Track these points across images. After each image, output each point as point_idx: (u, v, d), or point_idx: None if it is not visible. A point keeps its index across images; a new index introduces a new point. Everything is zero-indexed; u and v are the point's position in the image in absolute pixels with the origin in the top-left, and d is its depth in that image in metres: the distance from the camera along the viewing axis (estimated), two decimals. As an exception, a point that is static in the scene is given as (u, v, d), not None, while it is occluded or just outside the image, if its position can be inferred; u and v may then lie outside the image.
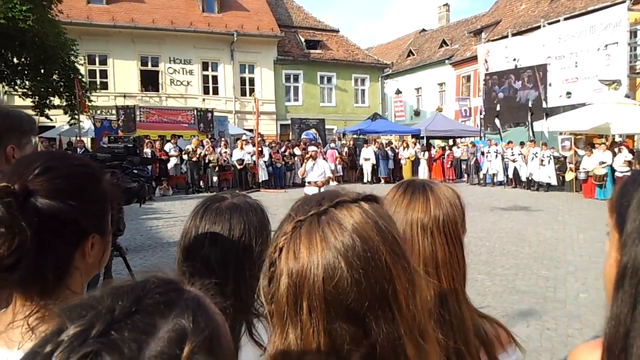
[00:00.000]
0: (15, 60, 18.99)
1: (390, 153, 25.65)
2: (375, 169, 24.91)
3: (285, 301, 0.78)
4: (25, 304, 1.03)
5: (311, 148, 11.95)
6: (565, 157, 20.50)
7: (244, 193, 1.64)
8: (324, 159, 14.35)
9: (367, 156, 24.81)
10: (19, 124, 2.06)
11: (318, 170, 10.91)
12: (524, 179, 21.46)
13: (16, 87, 19.89)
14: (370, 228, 0.79)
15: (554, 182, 20.23)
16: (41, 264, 1.01)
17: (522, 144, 21.91)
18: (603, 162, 17.75)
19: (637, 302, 0.75)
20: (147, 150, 18.46)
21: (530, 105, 23.02)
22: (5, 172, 1.03)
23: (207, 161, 20.73)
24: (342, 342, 0.76)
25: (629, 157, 17.28)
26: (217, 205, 1.50)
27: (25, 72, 19.60)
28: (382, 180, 24.55)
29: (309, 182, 11.04)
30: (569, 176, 19.63)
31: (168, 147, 20.52)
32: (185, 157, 20.56)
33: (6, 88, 21.01)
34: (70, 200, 1.03)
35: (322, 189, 10.72)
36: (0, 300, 1.09)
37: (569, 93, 25.63)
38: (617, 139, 19.69)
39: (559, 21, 27.30)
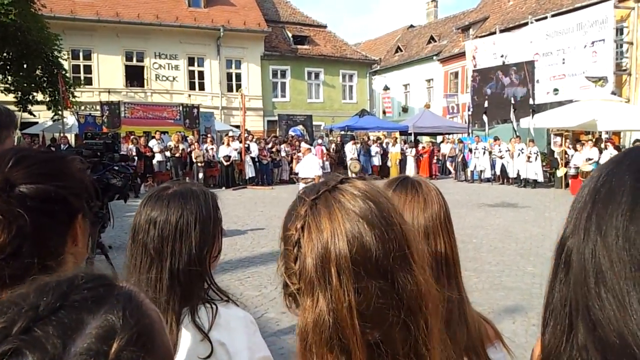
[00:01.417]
0: (-3, 55, 18.74)
1: (378, 149, 25.63)
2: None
3: (314, 272, 0.84)
4: None
5: (303, 145, 12.19)
6: (552, 153, 20.62)
7: (195, 182, 1.65)
8: (315, 155, 14.66)
9: (351, 152, 24.76)
10: None
11: (307, 166, 11.16)
12: (511, 175, 21.53)
13: (-2, 82, 19.64)
14: (378, 194, 0.89)
15: (540, 178, 20.33)
16: (42, 249, 1.02)
17: (497, 139, 22.11)
18: (590, 159, 17.84)
19: (556, 272, 0.79)
20: (132, 147, 18.27)
21: (513, 102, 23.06)
22: None
23: (194, 157, 20.60)
24: (372, 297, 0.81)
25: (615, 153, 17.35)
26: (159, 194, 1.53)
27: (8, 67, 19.35)
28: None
29: (300, 179, 11.38)
30: (561, 172, 19.71)
31: (152, 143, 20.33)
32: (167, 153, 20.38)
33: (-12, 83, 20.73)
34: (53, 181, 1.05)
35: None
36: None
37: (555, 90, 25.74)
38: (604, 136, 19.79)
39: (546, 18, 27.41)
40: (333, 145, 26.37)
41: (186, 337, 1.42)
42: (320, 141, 25.60)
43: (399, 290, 0.82)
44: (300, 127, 27.98)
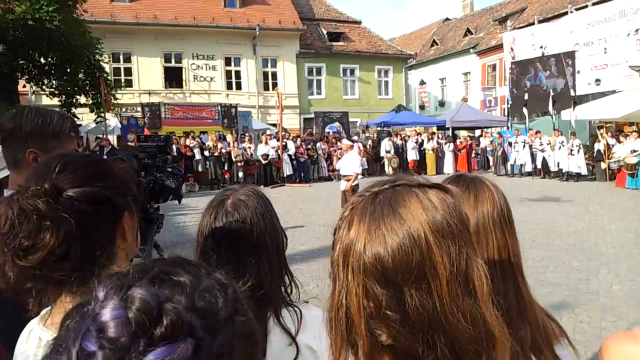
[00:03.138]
0: (42, 60, 19.29)
1: (414, 144, 25.45)
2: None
3: (337, 263, 0.89)
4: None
5: (345, 142, 12.11)
6: (593, 145, 20.17)
7: (246, 184, 1.68)
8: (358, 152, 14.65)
9: (387, 149, 24.68)
10: (43, 128, 1.96)
11: (348, 163, 11.13)
12: (552, 169, 21.12)
13: (43, 87, 20.24)
14: (418, 208, 0.86)
15: (584, 171, 19.88)
16: (91, 248, 1.09)
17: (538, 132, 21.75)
18: (635, 151, 17.35)
19: None
20: (173, 147, 18.60)
21: (552, 93, 22.56)
22: (27, 179, 1.11)
23: (233, 157, 20.86)
24: (380, 304, 0.84)
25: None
26: (225, 202, 1.54)
27: (52, 71, 19.90)
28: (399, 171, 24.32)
29: (342, 176, 11.34)
30: (604, 165, 19.25)
31: (188, 142, 20.69)
32: (206, 153, 20.69)
33: (34, 88, 21.34)
34: (97, 183, 1.12)
35: (351, 184, 10.87)
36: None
37: (597, 80, 25.07)
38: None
39: (587, 6, 26.73)
40: (370, 142, 26.29)
41: (273, 337, 1.41)
42: (356, 138, 25.55)
43: (404, 305, 0.83)
44: (337, 124, 27.99)
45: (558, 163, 20.63)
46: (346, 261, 0.87)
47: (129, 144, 16.24)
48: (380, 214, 0.86)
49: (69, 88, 20.14)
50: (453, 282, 0.83)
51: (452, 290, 0.83)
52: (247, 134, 22.71)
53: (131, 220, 1.20)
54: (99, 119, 21.37)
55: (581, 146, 19.89)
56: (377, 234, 0.85)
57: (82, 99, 20.87)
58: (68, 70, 19.79)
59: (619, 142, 18.54)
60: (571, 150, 19.85)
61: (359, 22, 38.07)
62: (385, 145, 24.88)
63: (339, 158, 11.96)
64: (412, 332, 0.84)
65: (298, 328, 1.43)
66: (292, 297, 1.55)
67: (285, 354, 1.39)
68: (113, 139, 22.79)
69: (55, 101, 20.23)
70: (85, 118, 23.28)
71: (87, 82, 20.52)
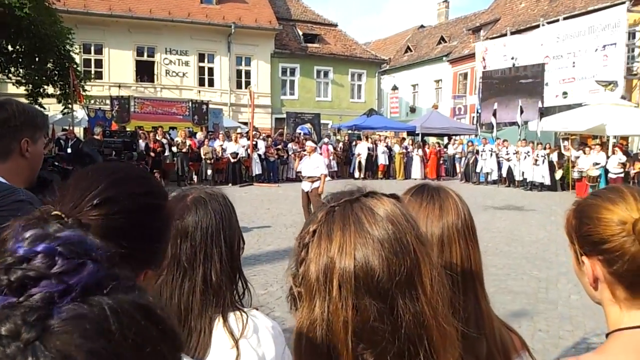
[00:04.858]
0: (9, 47, 18.79)
1: (384, 149, 25.63)
2: (367, 164, 24.87)
3: (315, 278, 0.84)
4: None
5: (308, 143, 12.06)
6: (548, 156, 20.63)
7: (206, 186, 1.64)
8: (320, 154, 14.56)
9: (360, 152, 24.82)
10: (33, 118, 2.12)
11: (312, 165, 11.04)
12: (517, 178, 21.51)
13: (10, 75, 19.68)
14: (400, 215, 0.86)
15: (547, 182, 20.28)
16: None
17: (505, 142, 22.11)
18: (597, 163, 17.76)
19: None
20: (141, 142, 18.32)
21: (521, 104, 23.00)
22: (61, 196, 0.95)
23: (202, 154, 20.63)
24: (368, 317, 0.81)
25: (623, 159, 17.30)
26: (185, 198, 1.51)
27: (20, 60, 19.38)
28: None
29: (304, 177, 11.19)
30: (558, 175, 19.72)
31: (159, 137, 20.41)
32: (174, 149, 20.43)
33: (0, 76, 20.81)
34: (125, 240, 0.90)
35: (322, 186, 10.77)
36: None
37: (565, 93, 25.68)
38: (612, 141, 19.74)
39: (558, 20, 27.31)
40: (340, 144, 26.39)
41: (216, 343, 1.40)
42: (326, 140, 25.58)
43: (397, 317, 0.81)
44: (308, 125, 27.99)
45: (523, 172, 21.02)
46: (329, 276, 0.83)
47: (95, 137, 15.92)
48: (363, 224, 0.84)
49: (36, 77, 19.63)
50: (434, 287, 0.84)
51: (435, 295, 0.84)
52: (221, 132, 22.54)
53: (150, 277, 1.05)
54: (66, 110, 20.94)
55: (546, 156, 20.30)
56: (367, 244, 0.82)
57: (50, 89, 20.39)
58: (37, 59, 19.30)
59: (584, 152, 18.94)
60: (536, 160, 20.25)
61: (335, 25, 38.16)
62: (357, 149, 25.00)
63: (300, 159, 11.87)
64: (399, 343, 0.81)
65: (242, 332, 1.41)
66: (244, 302, 1.54)
67: (227, 356, 1.38)
68: (79, 131, 22.35)
69: (22, 90, 19.74)
70: (52, 109, 22.77)
71: (56, 72, 20.05)
